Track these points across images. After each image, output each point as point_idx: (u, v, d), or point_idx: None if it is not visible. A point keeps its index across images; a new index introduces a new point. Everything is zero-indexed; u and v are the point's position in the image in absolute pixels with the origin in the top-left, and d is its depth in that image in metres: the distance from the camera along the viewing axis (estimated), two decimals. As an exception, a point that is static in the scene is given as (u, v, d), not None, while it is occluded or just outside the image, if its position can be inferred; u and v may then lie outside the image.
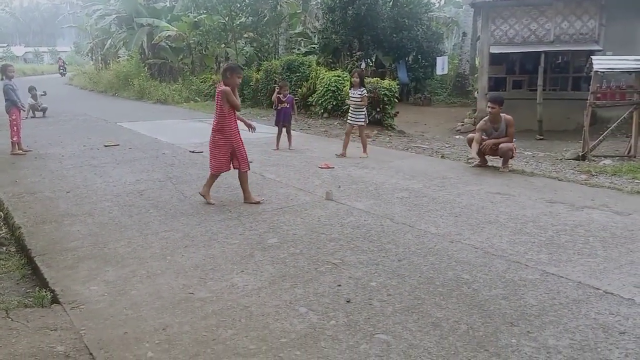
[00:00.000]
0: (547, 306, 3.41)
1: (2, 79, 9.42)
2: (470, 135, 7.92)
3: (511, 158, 7.73)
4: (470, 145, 7.80)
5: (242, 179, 5.90)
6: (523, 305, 3.43)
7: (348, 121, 8.90)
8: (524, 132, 13.78)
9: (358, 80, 8.59)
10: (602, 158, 9.13)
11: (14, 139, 9.13)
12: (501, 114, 7.51)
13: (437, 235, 4.81)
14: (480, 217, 5.38)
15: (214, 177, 5.92)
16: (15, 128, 9.13)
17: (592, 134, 9.73)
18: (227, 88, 5.61)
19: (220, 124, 5.69)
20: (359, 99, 8.59)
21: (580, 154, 9.32)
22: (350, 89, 8.96)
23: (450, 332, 3.10)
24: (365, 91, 8.71)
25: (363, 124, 8.79)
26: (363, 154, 8.75)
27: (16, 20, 66.62)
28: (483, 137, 7.61)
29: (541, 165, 8.60)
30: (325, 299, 3.55)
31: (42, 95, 15.86)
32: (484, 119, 7.73)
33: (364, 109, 8.73)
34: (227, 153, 5.74)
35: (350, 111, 8.76)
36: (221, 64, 24.30)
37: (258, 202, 5.89)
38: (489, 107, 7.56)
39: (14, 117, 9.16)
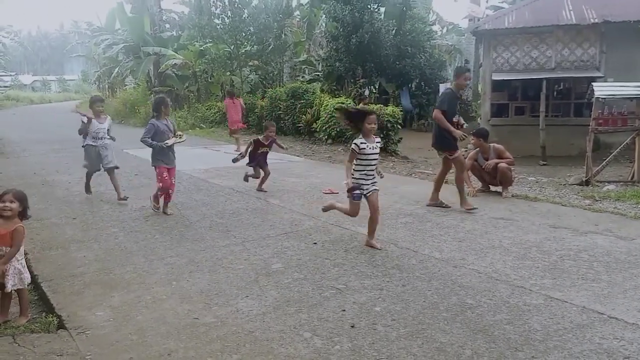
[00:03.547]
0: (552, 331, 3.41)
1: (153, 116, 6.99)
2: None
3: (510, 184, 7.81)
4: (465, 181, 7.98)
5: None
6: (527, 330, 3.43)
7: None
8: (527, 157, 13.83)
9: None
10: (606, 183, 9.15)
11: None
12: (490, 144, 7.95)
13: (441, 260, 4.83)
14: (483, 242, 5.40)
15: None
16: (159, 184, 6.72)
17: (595, 159, 9.77)
18: None
19: None
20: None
21: (583, 180, 9.34)
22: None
23: (454, 357, 3.11)
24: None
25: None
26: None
27: (24, 49, 67.85)
28: (475, 163, 7.91)
29: (545, 191, 8.62)
30: (329, 324, 3.56)
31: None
32: (475, 149, 8.01)
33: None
34: None
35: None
36: (226, 92, 24.64)
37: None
38: (471, 139, 8.16)
39: (157, 171, 6.76)
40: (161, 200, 6.83)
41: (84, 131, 7.56)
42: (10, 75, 59.08)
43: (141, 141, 6.64)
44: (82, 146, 7.64)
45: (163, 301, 3.99)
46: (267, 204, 7.25)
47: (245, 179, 8.28)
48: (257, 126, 18.53)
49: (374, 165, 5.16)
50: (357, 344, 3.27)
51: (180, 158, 11.68)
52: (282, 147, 8.80)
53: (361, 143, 5.05)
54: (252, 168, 8.17)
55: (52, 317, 3.74)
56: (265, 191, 8.07)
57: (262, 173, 8.14)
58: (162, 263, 4.84)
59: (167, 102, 7.06)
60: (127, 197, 7.44)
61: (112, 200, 7.51)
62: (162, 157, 6.71)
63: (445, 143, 6.91)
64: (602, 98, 9.63)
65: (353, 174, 5.13)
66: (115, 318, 3.71)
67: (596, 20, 14.52)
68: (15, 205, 3.68)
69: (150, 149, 6.75)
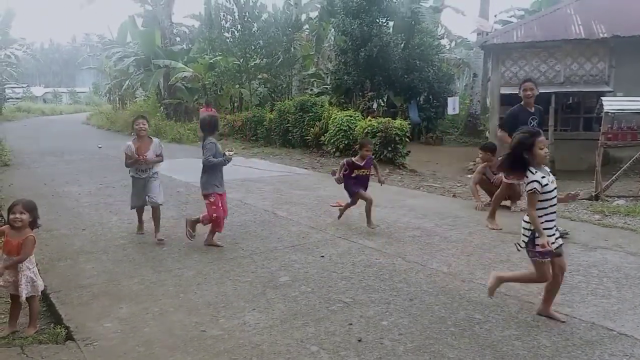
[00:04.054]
0: (561, 347, 3.38)
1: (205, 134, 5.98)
2: (472, 185, 8.08)
3: (519, 198, 7.78)
4: (473, 195, 7.97)
5: None
6: (536, 346, 3.40)
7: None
8: (536, 171, 13.76)
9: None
10: (615, 198, 9.07)
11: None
12: (498, 158, 7.79)
13: (448, 275, 4.81)
14: (492, 256, 5.37)
15: None
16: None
17: (604, 174, 9.69)
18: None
19: None
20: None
21: (593, 194, 9.27)
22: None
23: (462, 372, 3.08)
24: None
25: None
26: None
27: (37, 61, 68.66)
28: (483, 177, 7.87)
29: (553, 205, 8.57)
30: (336, 337, 3.55)
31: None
32: (484, 163, 7.96)
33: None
34: None
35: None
36: (235, 104, 24.80)
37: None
38: (479, 154, 7.91)
39: (210, 200, 5.85)
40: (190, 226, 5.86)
41: (130, 164, 6.18)
42: (22, 87, 59.76)
43: (207, 162, 5.72)
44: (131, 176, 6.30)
45: (170, 313, 4.00)
46: (274, 217, 7.26)
47: (340, 213, 6.94)
48: (266, 139, 18.61)
49: (556, 204, 3.76)
50: (364, 359, 3.26)
51: (189, 170, 11.78)
52: (378, 172, 6.84)
53: (542, 178, 3.64)
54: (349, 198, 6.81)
55: (60, 328, 3.76)
56: (375, 226, 6.43)
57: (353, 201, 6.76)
58: (169, 275, 4.86)
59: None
60: (164, 240, 6.00)
61: (120, 212, 7.54)
62: (217, 181, 5.82)
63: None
64: (611, 112, 9.59)
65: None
66: (123, 330, 3.72)
67: (605, 35, 14.50)
68: (25, 217, 3.73)
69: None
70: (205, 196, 5.82)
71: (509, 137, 6.29)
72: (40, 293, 3.93)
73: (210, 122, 5.98)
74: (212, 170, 5.79)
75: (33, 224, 3.83)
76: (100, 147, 17.57)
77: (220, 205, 5.80)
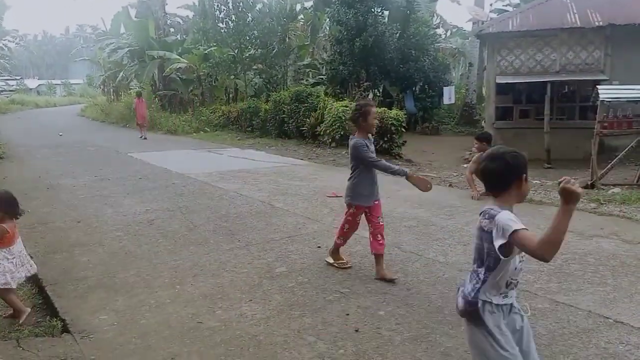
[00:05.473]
0: (557, 335, 3.38)
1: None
2: (468, 175, 8.06)
3: None
4: (469, 184, 7.97)
5: None
6: (533, 334, 3.40)
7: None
8: (532, 160, 13.68)
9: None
10: (611, 186, 9.09)
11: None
12: None
13: (445, 264, 4.81)
14: (488, 245, 5.36)
15: None
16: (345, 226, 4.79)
17: (600, 162, 9.72)
18: None
19: None
20: None
21: (588, 183, 9.29)
22: None
23: (459, 361, 3.09)
24: None
25: None
26: None
27: (30, 53, 68.21)
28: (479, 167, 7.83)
29: (550, 194, 8.57)
30: (333, 328, 3.55)
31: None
32: (479, 153, 7.93)
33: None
34: None
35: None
36: (230, 95, 24.70)
37: None
38: (475, 143, 7.90)
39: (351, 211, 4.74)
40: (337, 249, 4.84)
41: None
42: (16, 79, 59.29)
43: (374, 165, 4.67)
44: None
45: (167, 305, 3.99)
46: (271, 208, 7.24)
47: None
48: (261, 130, 18.56)
49: None
50: (361, 348, 3.26)
51: (184, 162, 11.74)
52: None
53: None
54: None
55: (56, 320, 3.74)
56: None
57: None
58: (166, 267, 4.84)
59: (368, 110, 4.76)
60: None
61: (116, 204, 7.52)
62: (369, 190, 4.64)
63: None
64: (607, 101, 9.60)
65: None
66: (119, 322, 3.71)
67: (601, 23, 14.47)
68: None
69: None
70: (349, 207, 4.74)
71: None
72: (14, 286, 3.77)
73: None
74: (365, 174, 4.64)
75: (11, 214, 3.78)
76: (61, 135, 18.83)
77: (358, 219, 4.70)
